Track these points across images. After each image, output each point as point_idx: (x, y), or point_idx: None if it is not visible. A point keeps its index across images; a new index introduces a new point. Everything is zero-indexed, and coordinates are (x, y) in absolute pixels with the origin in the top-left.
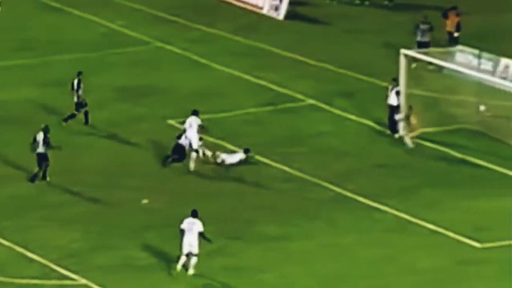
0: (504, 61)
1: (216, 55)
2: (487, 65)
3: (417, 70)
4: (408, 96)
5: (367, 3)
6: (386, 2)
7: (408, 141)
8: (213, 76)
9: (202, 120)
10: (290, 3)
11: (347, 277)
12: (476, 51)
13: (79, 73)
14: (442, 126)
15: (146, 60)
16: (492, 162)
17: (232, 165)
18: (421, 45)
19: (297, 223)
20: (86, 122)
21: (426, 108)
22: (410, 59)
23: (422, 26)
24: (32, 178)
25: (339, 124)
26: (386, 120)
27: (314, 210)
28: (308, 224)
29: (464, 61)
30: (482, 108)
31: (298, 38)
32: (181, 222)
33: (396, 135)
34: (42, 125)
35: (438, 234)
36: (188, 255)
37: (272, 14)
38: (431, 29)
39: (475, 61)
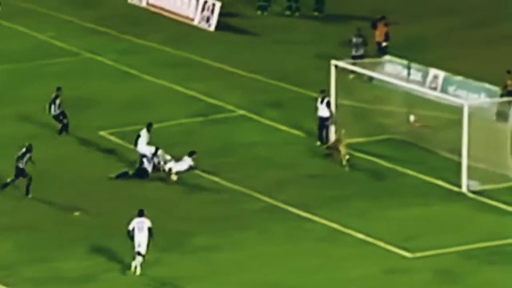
0: (433, 71)
1: (146, 66)
2: (416, 75)
3: (347, 80)
4: (338, 107)
5: (297, 14)
6: (316, 14)
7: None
8: (143, 87)
9: (133, 132)
10: (221, 15)
11: (278, 287)
12: (405, 62)
13: (58, 89)
14: (371, 136)
15: (76, 71)
16: (420, 172)
17: (180, 172)
18: (356, 59)
19: (229, 233)
20: (60, 132)
21: (356, 118)
22: (348, 71)
23: (356, 40)
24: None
25: (270, 135)
26: (316, 130)
27: (245, 220)
28: (239, 235)
29: (394, 71)
30: (411, 118)
31: (228, 49)
32: (129, 223)
33: (324, 146)
34: (26, 144)
35: (368, 244)
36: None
37: (203, 25)
38: (364, 43)
39: (404, 72)
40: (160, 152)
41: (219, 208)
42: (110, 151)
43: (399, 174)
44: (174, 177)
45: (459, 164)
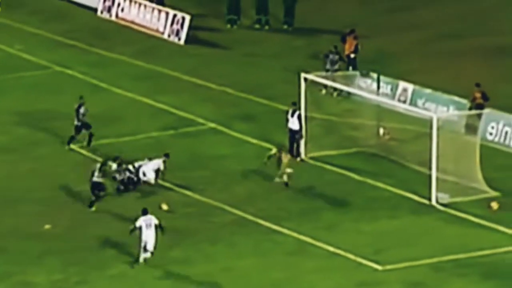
0: (402, 84)
1: (116, 79)
2: (386, 88)
3: (317, 93)
4: (309, 120)
5: (266, 27)
6: (285, 27)
7: (279, 179)
8: (113, 100)
9: (103, 145)
10: (191, 28)
11: None
12: (375, 75)
13: (81, 97)
14: (341, 149)
15: (45, 84)
16: (390, 185)
17: (147, 182)
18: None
19: (199, 247)
20: (89, 144)
21: (326, 131)
22: (320, 87)
23: (332, 56)
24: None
25: (240, 148)
26: (287, 143)
27: (215, 233)
28: (210, 248)
29: (364, 84)
30: (381, 131)
31: (198, 62)
32: (135, 220)
33: (298, 159)
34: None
35: (338, 256)
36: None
37: (173, 38)
38: (341, 59)
39: (374, 85)
40: (109, 162)
41: (189, 221)
42: (81, 164)
43: (369, 187)
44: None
45: (428, 177)
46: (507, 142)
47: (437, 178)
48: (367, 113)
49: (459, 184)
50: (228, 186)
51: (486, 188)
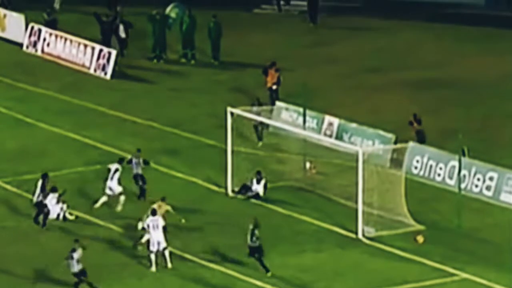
0: (328, 118)
1: (41, 114)
2: (312, 122)
3: (243, 127)
4: (235, 154)
5: (192, 62)
6: (212, 61)
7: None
8: (38, 135)
9: (27, 181)
10: (117, 63)
11: None
12: (301, 109)
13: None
14: (269, 183)
15: None
16: (317, 218)
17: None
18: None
19: (126, 281)
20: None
21: (253, 165)
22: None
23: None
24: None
25: (167, 182)
26: (213, 177)
27: (142, 268)
28: (137, 282)
29: (289, 118)
30: (307, 165)
31: (124, 97)
32: (141, 220)
33: (231, 193)
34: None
35: None
36: (157, 253)
37: (99, 73)
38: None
39: (300, 119)
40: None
41: (116, 256)
42: (4, 200)
43: (296, 221)
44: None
45: (354, 211)
46: (431, 175)
47: (363, 212)
48: (293, 147)
49: (385, 218)
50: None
51: (411, 222)
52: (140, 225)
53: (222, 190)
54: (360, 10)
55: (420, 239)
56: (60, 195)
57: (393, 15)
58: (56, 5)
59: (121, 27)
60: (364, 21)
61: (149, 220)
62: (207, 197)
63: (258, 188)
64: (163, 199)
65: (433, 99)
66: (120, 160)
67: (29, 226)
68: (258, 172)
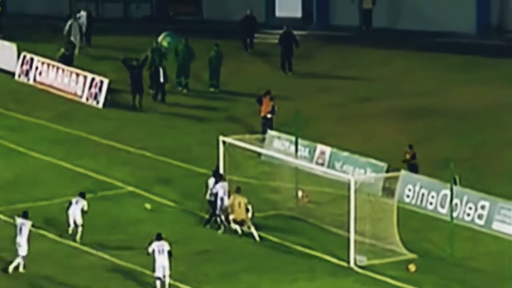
0: (320, 147)
1: (33, 143)
2: (304, 151)
3: (235, 156)
4: (228, 182)
5: (185, 91)
6: (212, 89)
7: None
8: (31, 164)
9: (20, 209)
10: (109, 91)
11: None
12: (293, 138)
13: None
14: (260, 212)
15: None
16: (308, 247)
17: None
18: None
19: None
20: None
21: (244, 194)
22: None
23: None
24: None
25: (158, 211)
26: (206, 206)
27: None
28: None
29: (281, 147)
30: (299, 193)
31: (117, 126)
32: (149, 245)
33: (220, 230)
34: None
35: None
36: (161, 278)
37: (91, 102)
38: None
39: (292, 147)
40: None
41: (106, 286)
42: None
43: (288, 249)
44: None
45: (346, 239)
46: (423, 204)
47: (355, 241)
48: (286, 176)
49: (377, 246)
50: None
51: (403, 250)
52: (149, 250)
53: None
54: (352, 39)
55: (412, 267)
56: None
57: (385, 44)
58: (73, 39)
59: (161, 71)
60: (356, 50)
61: (155, 245)
62: (198, 225)
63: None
64: (238, 190)
65: (425, 128)
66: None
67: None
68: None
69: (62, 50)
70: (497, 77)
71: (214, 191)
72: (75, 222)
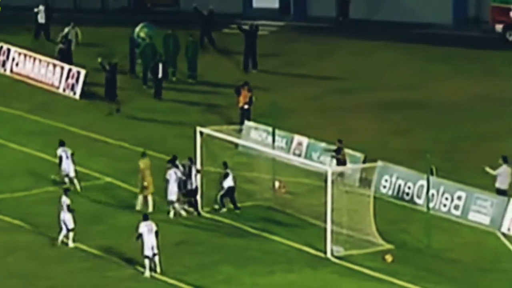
0: (297, 138)
1: (12, 134)
2: (281, 142)
3: (213, 147)
4: (205, 174)
5: (174, 79)
6: (190, 80)
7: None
8: (9, 156)
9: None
10: (86, 83)
11: None
12: (270, 128)
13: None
14: (238, 203)
15: None
16: (286, 238)
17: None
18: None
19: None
20: None
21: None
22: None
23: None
24: None
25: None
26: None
27: (135, 272)
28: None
29: (258, 138)
30: (276, 184)
31: (94, 117)
32: (137, 227)
33: (195, 213)
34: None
35: None
36: (149, 257)
37: (68, 93)
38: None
39: (269, 138)
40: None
41: (85, 276)
42: None
43: (265, 240)
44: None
45: (324, 230)
46: (400, 195)
47: (332, 231)
48: (263, 167)
49: (354, 237)
50: (124, 241)
51: (380, 241)
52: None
53: (192, 209)
54: (329, 30)
55: (388, 258)
56: None
57: (363, 35)
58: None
59: (160, 67)
60: (334, 41)
61: (143, 225)
62: (177, 217)
63: (227, 183)
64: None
65: (403, 120)
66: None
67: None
68: (224, 164)
69: (60, 45)
70: (477, 69)
71: (167, 177)
72: (66, 226)
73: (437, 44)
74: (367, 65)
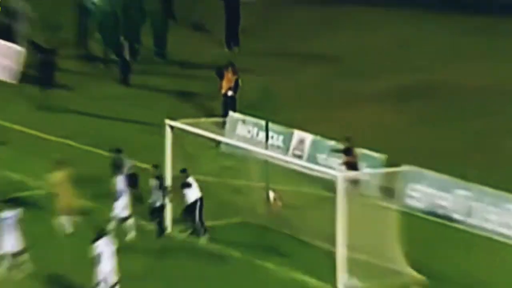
0: (297, 134)
1: None
2: (277, 139)
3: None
4: (177, 179)
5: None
6: (155, 59)
7: None
8: None
9: None
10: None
11: None
12: (263, 122)
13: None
14: (220, 220)
15: None
16: (283, 265)
17: None
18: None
19: None
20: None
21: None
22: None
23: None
24: None
25: None
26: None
27: None
28: None
29: (247, 134)
30: (271, 196)
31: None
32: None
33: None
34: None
35: None
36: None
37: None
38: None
39: (261, 135)
40: None
41: None
42: None
43: (256, 268)
44: None
45: (333, 256)
46: (432, 208)
47: (344, 257)
48: (253, 172)
49: (373, 265)
50: None
51: (408, 270)
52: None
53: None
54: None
55: None
56: None
57: (379, 2)
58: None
59: (126, 45)
60: (342, 10)
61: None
62: (144, 231)
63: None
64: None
65: (428, 110)
66: None
67: None
68: (183, 171)
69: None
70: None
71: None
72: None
73: (471, 13)
74: (383, 40)
